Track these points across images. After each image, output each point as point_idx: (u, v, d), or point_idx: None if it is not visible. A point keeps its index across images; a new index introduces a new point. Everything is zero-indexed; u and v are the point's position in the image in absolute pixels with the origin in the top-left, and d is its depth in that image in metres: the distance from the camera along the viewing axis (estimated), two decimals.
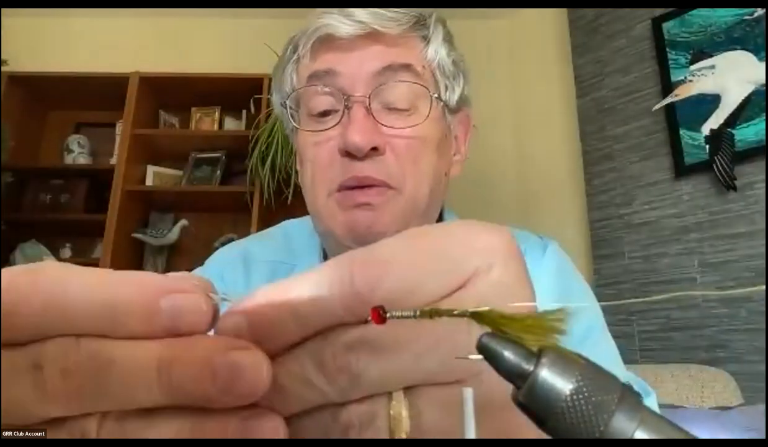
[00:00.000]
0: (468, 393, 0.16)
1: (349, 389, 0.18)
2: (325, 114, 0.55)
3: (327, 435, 0.19)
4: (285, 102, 0.59)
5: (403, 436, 0.18)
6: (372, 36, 0.54)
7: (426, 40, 0.57)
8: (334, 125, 0.54)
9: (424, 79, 0.56)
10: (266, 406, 0.18)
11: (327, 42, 0.55)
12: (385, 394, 0.19)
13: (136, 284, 0.17)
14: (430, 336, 0.18)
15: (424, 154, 0.55)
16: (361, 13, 0.53)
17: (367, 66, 0.54)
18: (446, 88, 0.59)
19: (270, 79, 2.28)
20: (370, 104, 0.53)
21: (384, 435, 0.18)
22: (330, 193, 0.54)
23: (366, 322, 0.17)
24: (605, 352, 0.55)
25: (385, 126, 0.53)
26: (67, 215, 2.30)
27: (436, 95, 0.56)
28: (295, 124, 0.59)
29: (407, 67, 0.54)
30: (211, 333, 0.19)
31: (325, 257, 0.63)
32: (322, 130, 0.55)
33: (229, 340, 0.18)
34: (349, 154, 0.52)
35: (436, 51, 0.57)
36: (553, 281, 0.58)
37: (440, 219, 0.64)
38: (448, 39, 0.60)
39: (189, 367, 0.17)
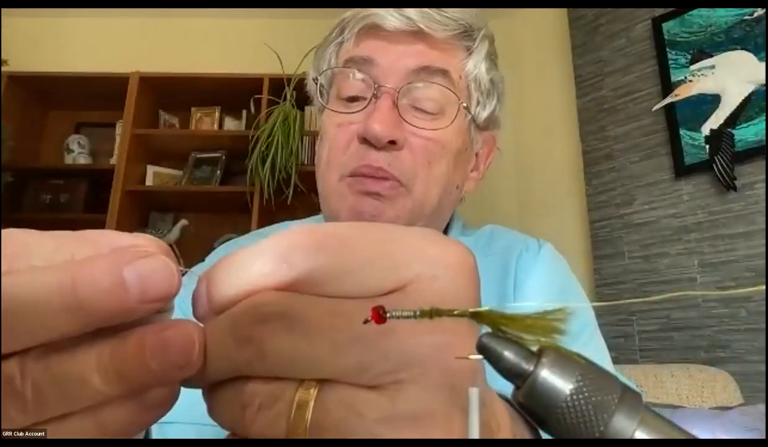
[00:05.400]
0: (473, 393, 0.16)
1: (256, 362, 0.18)
2: (353, 99, 0.55)
3: (227, 408, 0.19)
4: (317, 78, 0.59)
5: (302, 428, 0.17)
6: (416, 34, 0.54)
7: (469, 51, 0.57)
8: (360, 110, 0.54)
9: (457, 88, 0.55)
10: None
11: (372, 31, 0.55)
12: (295, 380, 0.18)
13: (93, 266, 0.17)
14: (354, 331, 0.17)
15: (440, 160, 0.55)
16: (411, 11, 0.54)
17: (404, 61, 0.54)
18: (478, 103, 0.58)
19: (270, 80, 2.29)
20: (398, 98, 0.53)
21: (282, 421, 0.18)
22: (342, 176, 0.54)
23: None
24: (595, 352, 0.55)
25: (409, 123, 0.53)
26: (67, 215, 2.30)
27: (465, 105, 0.56)
28: (322, 103, 0.59)
29: (444, 73, 0.54)
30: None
31: None
32: (347, 113, 0.55)
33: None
34: (367, 141, 0.52)
35: (476, 65, 0.57)
36: (548, 281, 0.58)
37: (448, 227, 0.64)
38: (492, 56, 0.60)
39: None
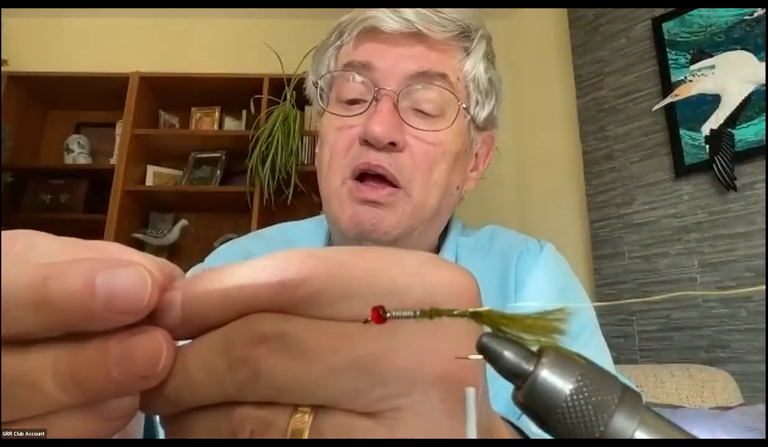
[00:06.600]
0: (470, 392, 0.16)
1: (248, 385, 0.17)
2: (353, 102, 0.56)
3: (215, 435, 0.18)
4: (317, 82, 0.60)
5: None
6: (415, 36, 0.54)
7: (467, 52, 0.57)
8: (360, 113, 0.54)
9: (456, 89, 0.56)
10: (173, 393, 0.18)
11: (371, 34, 0.55)
12: (288, 406, 0.17)
13: (69, 267, 0.16)
14: (353, 353, 0.17)
15: (440, 163, 0.55)
16: (408, 12, 0.54)
17: (403, 65, 0.54)
18: (477, 103, 0.59)
19: (270, 80, 2.29)
20: (398, 101, 0.53)
21: None
22: (344, 180, 0.54)
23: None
24: (595, 352, 0.55)
25: (409, 125, 0.54)
26: (67, 215, 2.30)
27: (464, 106, 0.56)
28: (322, 106, 0.59)
29: (442, 76, 0.55)
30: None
31: None
32: (347, 116, 0.55)
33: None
34: (367, 143, 0.52)
35: (474, 65, 0.57)
36: (549, 281, 0.59)
37: (447, 228, 0.65)
38: (489, 56, 0.60)
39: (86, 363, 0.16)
